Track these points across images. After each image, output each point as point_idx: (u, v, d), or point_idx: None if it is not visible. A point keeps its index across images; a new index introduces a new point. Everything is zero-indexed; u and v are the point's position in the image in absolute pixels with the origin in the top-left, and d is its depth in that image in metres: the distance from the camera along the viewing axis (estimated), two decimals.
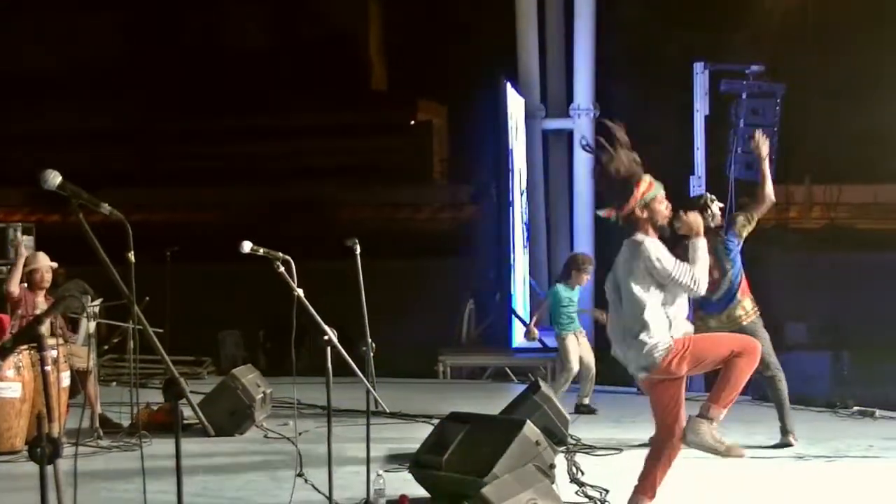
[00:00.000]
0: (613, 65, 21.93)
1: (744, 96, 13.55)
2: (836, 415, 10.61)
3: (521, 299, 16.87)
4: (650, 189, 6.32)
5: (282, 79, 52.68)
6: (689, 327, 6.40)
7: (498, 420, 7.42)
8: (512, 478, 6.13)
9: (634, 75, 24.69)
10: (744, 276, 9.02)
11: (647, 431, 9.46)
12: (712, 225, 8.82)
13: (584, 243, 18.67)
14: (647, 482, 6.39)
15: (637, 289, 6.17)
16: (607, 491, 7.26)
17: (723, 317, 8.83)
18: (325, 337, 6.05)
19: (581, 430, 9.44)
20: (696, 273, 6.20)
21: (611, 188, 6.36)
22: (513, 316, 15.96)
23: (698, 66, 14.36)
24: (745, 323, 8.85)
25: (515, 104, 17.03)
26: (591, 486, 7.42)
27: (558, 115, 19.32)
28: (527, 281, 17.76)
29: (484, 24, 31.54)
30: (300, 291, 6.39)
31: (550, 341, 16.49)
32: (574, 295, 11.12)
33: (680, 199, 7.40)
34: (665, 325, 6.17)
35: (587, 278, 11.11)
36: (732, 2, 31.73)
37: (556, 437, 8.31)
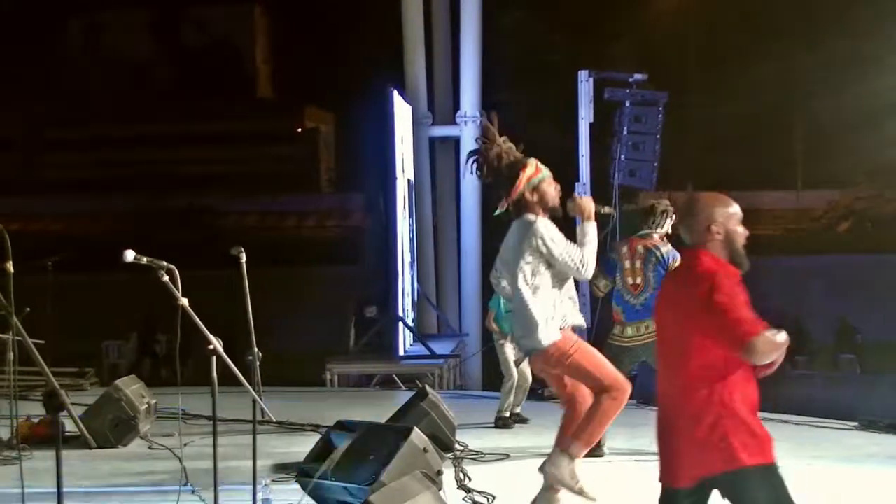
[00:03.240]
0: (500, 73, 22.09)
1: (627, 104, 13.74)
2: None
3: (407, 307, 16.87)
4: (538, 172, 6.35)
5: (165, 87, 52.15)
6: (580, 319, 6.42)
7: (385, 428, 7.40)
8: (399, 485, 6.12)
9: (520, 83, 24.92)
10: None
11: (533, 439, 9.55)
12: (658, 233, 8.82)
13: (470, 249, 18.78)
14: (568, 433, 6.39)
15: (527, 269, 6.19)
16: (494, 497, 7.29)
17: (641, 326, 8.60)
18: (211, 346, 5.98)
19: (468, 436, 9.46)
20: (585, 256, 6.21)
21: (499, 176, 6.36)
22: (399, 324, 15.96)
23: (583, 75, 14.52)
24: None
25: (402, 112, 17.04)
26: (479, 493, 7.44)
27: (445, 122, 19.40)
28: (414, 288, 17.78)
29: (371, 32, 31.57)
30: (184, 301, 6.31)
31: (438, 348, 16.56)
32: None
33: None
34: (552, 306, 6.19)
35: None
36: (616, 12, 32.20)
37: (444, 443, 8.31)
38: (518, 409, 10.63)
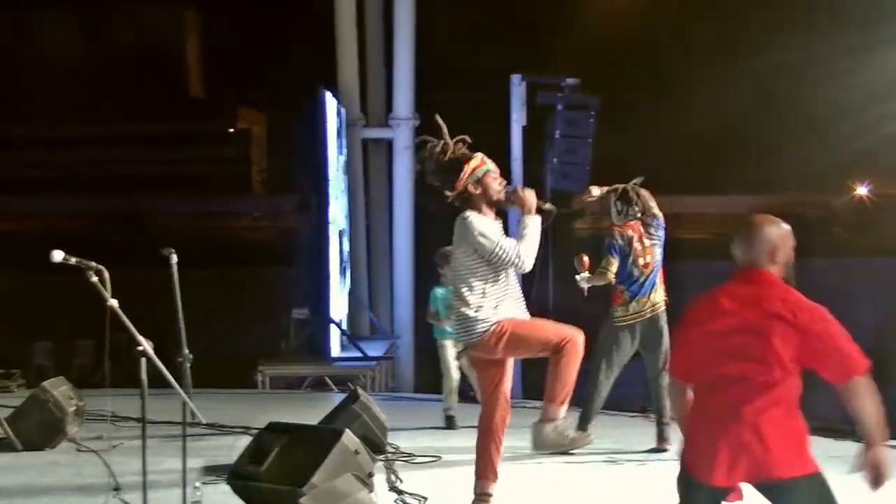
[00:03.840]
0: (433, 76, 22.11)
1: (560, 108, 13.80)
2: (649, 419, 10.86)
3: (340, 309, 16.84)
4: (482, 164, 6.36)
5: (97, 87, 51.62)
6: (521, 313, 6.41)
7: (317, 430, 7.38)
8: (331, 487, 6.11)
9: (454, 86, 24.98)
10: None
11: (465, 440, 9.57)
12: (637, 214, 9.00)
13: (403, 251, 18.78)
14: (482, 465, 6.43)
15: (464, 264, 6.20)
16: (426, 498, 7.29)
17: (643, 301, 8.85)
18: (140, 348, 5.93)
19: (400, 438, 9.46)
20: (522, 249, 6.19)
21: (444, 171, 6.35)
22: (332, 326, 15.92)
23: (515, 78, 14.57)
24: (661, 310, 8.96)
25: (335, 113, 17.01)
26: (410, 494, 7.44)
27: (378, 124, 19.39)
28: (347, 290, 17.76)
29: (304, 33, 31.49)
30: (114, 302, 6.26)
31: (371, 350, 16.55)
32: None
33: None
34: (489, 301, 6.20)
35: None
36: (548, 17, 32.41)
37: (375, 445, 8.31)
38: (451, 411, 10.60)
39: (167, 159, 49.64)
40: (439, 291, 10.43)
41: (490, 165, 6.37)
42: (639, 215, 9.04)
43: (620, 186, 9.17)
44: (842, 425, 10.47)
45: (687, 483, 4.72)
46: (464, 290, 6.21)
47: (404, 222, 18.79)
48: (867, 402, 4.57)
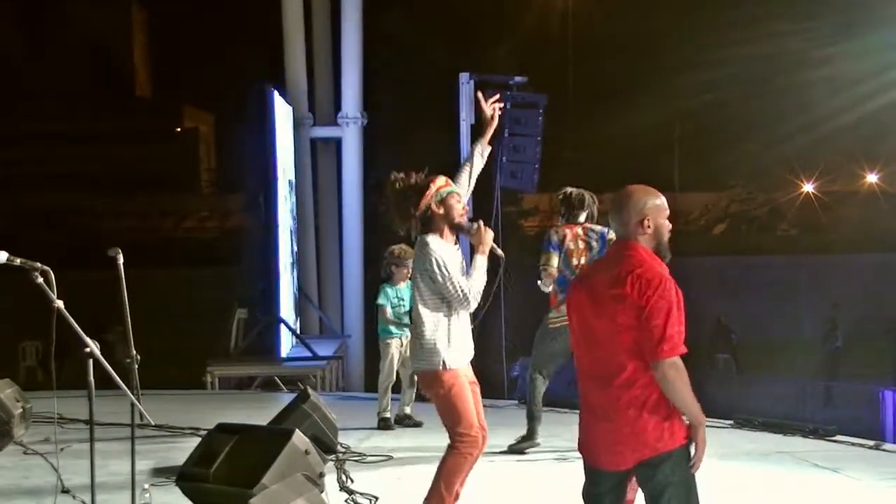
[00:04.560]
0: (381, 74, 22.10)
1: (508, 106, 13.79)
2: None
3: (289, 309, 16.79)
4: (447, 185, 6.33)
5: (40, 85, 51.08)
6: (468, 350, 6.37)
7: (266, 430, 7.35)
8: (281, 488, 6.08)
9: (401, 85, 24.97)
10: None
11: (416, 440, 9.58)
12: (580, 219, 9.06)
13: (352, 250, 18.76)
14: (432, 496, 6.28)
15: (423, 289, 6.17)
16: (377, 498, 7.29)
17: None
18: (87, 349, 5.88)
19: (351, 438, 9.45)
20: (472, 287, 6.13)
21: (411, 191, 6.28)
22: (281, 325, 15.87)
23: (463, 77, 14.55)
24: None
25: (283, 112, 16.95)
26: (361, 494, 7.44)
27: (326, 123, 19.35)
28: (296, 289, 17.70)
29: (250, 31, 31.35)
30: (60, 303, 6.20)
31: (320, 349, 16.50)
32: (403, 292, 10.30)
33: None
34: (444, 332, 6.15)
35: (408, 272, 10.09)
36: (496, 16, 32.45)
37: (326, 445, 8.28)
38: (408, 410, 10.52)
39: (112, 158, 49.16)
40: (389, 289, 10.41)
41: (454, 187, 6.35)
42: (581, 220, 9.07)
43: (571, 190, 9.20)
44: (790, 421, 10.60)
45: (586, 470, 4.77)
46: (422, 314, 6.16)
47: (353, 221, 18.78)
48: (675, 386, 4.53)
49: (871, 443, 9.80)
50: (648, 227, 4.66)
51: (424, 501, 6.16)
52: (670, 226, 4.76)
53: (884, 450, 9.60)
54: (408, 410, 10.50)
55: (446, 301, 6.14)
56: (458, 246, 6.37)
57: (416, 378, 10.23)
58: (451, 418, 6.16)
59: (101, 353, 5.83)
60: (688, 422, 4.64)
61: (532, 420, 9.08)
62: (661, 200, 4.79)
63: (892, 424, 15.56)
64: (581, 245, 8.98)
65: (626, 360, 4.56)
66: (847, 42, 32.13)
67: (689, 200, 43.60)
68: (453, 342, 6.17)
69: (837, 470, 8.51)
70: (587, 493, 4.81)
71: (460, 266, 6.22)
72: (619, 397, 4.58)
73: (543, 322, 9.05)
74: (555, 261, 8.89)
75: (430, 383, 6.22)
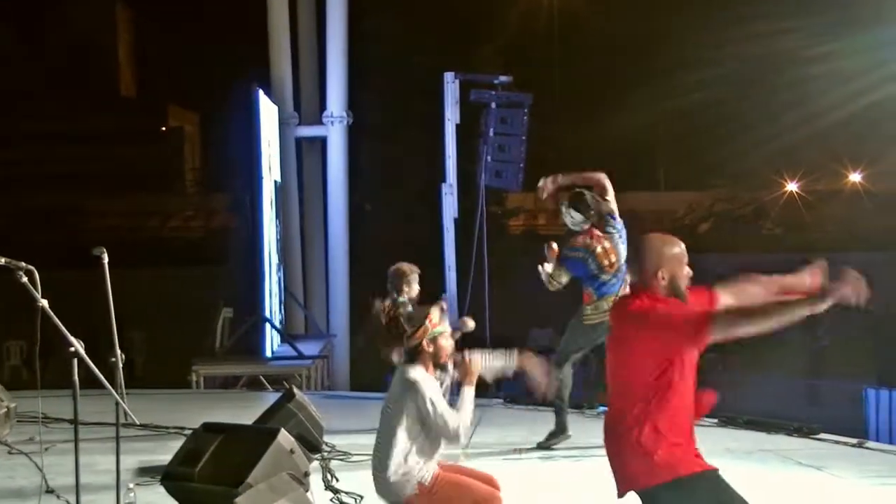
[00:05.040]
0: (366, 74, 22.09)
1: (493, 106, 13.82)
2: (584, 415, 10.93)
3: (275, 308, 16.78)
4: (441, 324, 6.32)
5: (24, 84, 50.85)
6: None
7: (252, 429, 7.35)
8: (266, 487, 6.09)
9: (387, 84, 24.96)
10: None
11: None
12: (593, 220, 9.09)
13: (338, 249, 18.76)
14: None
15: (401, 425, 6.09)
16: (362, 497, 7.30)
17: (612, 298, 8.93)
18: (72, 349, 5.88)
19: (336, 437, 9.45)
20: (461, 422, 6.12)
21: (398, 325, 6.24)
22: (266, 324, 15.86)
23: (448, 76, 14.56)
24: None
25: (268, 111, 16.94)
26: (346, 493, 7.45)
27: (311, 122, 19.34)
28: (282, 289, 17.69)
29: (236, 30, 31.29)
30: (44, 302, 6.20)
31: (306, 349, 16.50)
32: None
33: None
34: (419, 460, 6.10)
35: (417, 287, 9.90)
36: (481, 16, 32.42)
37: (311, 444, 8.29)
38: None
39: (97, 158, 48.97)
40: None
41: (446, 326, 6.35)
42: (594, 220, 9.11)
43: (575, 192, 9.25)
44: (774, 420, 10.65)
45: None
46: (394, 448, 6.09)
47: (339, 220, 18.77)
48: (747, 327, 4.49)
49: (855, 441, 9.85)
50: (663, 278, 4.64)
51: None
52: (690, 272, 4.75)
53: (867, 448, 9.65)
54: None
55: (427, 437, 6.11)
56: (439, 375, 6.39)
57: None
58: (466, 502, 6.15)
59: (86, 352, 5.83)
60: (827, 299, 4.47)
61: (559, 414, 9.17)
62: (679, 249, 4.74)
63: (876, 423, 15.63)
64: (607, 245, 9.07)
65: (624, 393, 4.64)
66: (832, 43, 32.21)
67: (674, 199, 43.68)
68: (427, 466, 6.13)
69: (821, 468, 8.55)
70: None
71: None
72: (617, 429, 4.65)
73: (578, 317, 9.16)
74: (563, 278, 9.01)
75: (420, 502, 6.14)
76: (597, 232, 9.10)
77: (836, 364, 22.52)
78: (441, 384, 6.31)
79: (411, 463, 6.09)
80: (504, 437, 9.29)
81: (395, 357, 6.26)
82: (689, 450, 4.68)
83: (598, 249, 9.03)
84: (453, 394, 6.36)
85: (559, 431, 9.17)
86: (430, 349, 6.24)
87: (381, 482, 6.16)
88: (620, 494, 4.70)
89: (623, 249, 9.03)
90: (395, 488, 6.10)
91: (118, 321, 8.08)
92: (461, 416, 6.14)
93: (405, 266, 9.74)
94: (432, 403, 6.07)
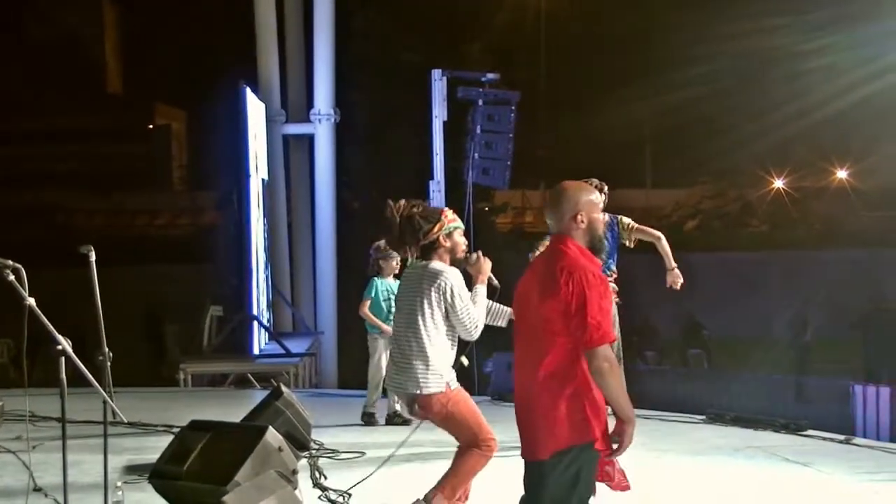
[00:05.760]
0: (353, 71, 22.07)
1: (480, 103, 13.82)
2: None
3: (262, 306, 16.76)
4: (456, 220, 6.35)
5: (10, 81, 50.68)
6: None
7: (240, 427, 7.35)
8: (254, 485, 6.09)
9: (374, 82, 24.93)
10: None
11: (389, 436, 9.58)
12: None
13: (326, 247, 18.74)
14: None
15: (428, 315, 6.13)
16: (350, 495, 7.30)
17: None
18: (59, 347, 5.87)
19: (324, 435, 9.46)
20: (479, 317, 6.18)
21: (415, 221, 6.26)
22: (254, 322, 15.85)
23: (436, 74, 14.56)
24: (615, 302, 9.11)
25: (255, 109, 16.92)
26: (334, 491, 7.44)
27: (299, 119, 19.32)
28: (269, 286, 17.67)
29: (223, 28, 31.23)
30: (31, 300, 6.19)
31: (294, 346, 16.49)
32: (393, 286, 10.17)
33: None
34: (446, 359, 6.15)
35: (397, 264, 10.24)
36: (468, 14, 32.41)
37: (299, 442, 8.29)
38: (398, 407, 10.29)
39: (84, 155, 48.88)
40: (379, 282, 10.36)
41: (460, 224, 6.38)
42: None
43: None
44: (761, 416, 10.68)
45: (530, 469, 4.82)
46: (424, 340, 6.12)
47: (326, 218, 18.76)
48: (608, 380, 4.60)
49: (842, 437, 9.88)
50: (582, 221, 4.76)
51: (431, 493, 6.18)
52: (605, 218, 4.88)
53: (854, 444, 9.69)
54: (398, 408, 10.32)
55: (449, 329, 6.15)
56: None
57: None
58: (471, 430, 6.18)
59: (73, 351, 5.82)
60: (616, 417, 4.71)
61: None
62: (595, 196, 4.89)
63: (863, 419, 15.67)
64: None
65: (547, 351, 4.66)
66: (819, 40, 32.29)
67: (661, 196, 43.74)
68: (447, 367, 6.19)
69: (808, 464, 8.58)
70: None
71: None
72: (538, 386, 4.68)
73: None
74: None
75: (437, 405, 6.16)
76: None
77: (822, 361, 22.58)
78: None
79: (442, 361, 6.12)
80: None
81: (410, 256, 6.29)
82: None
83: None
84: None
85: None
86: (448, 244, 6.27)
87: (406, 370, 6.16)
88: (544, 456, 4.72)
89: (609, 246, 9.04)
90: (433, 379, 6.11)
91: (105, 319, 8.07)
92: (476, 310, 6.19)
93: (381, 242, 9.91)
94: (459, 295, 6.11)
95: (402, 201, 6.38)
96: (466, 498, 6.45)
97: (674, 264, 9.23)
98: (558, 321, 4.60)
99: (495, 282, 6.54)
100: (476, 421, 6.21)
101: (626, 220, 9.19)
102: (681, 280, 9.22)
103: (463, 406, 6.19)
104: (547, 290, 4.65)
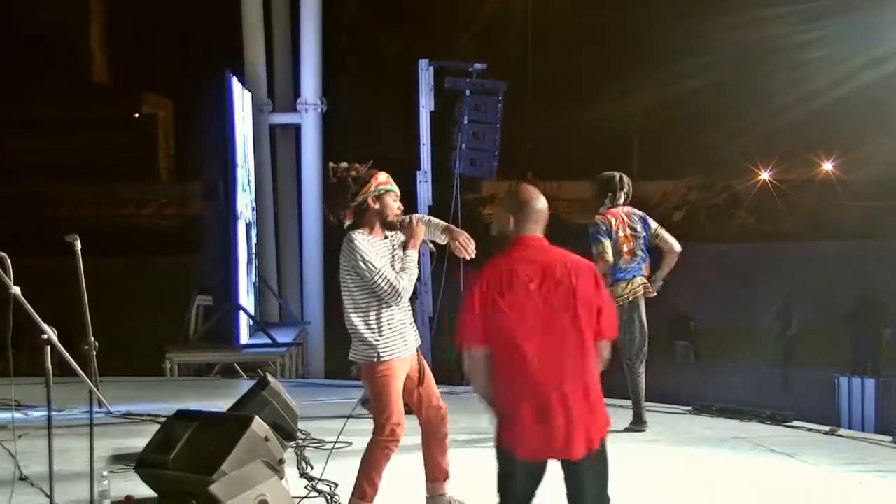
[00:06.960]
0: (341, 60, 22.04)
1: (467, 93, 13.80)
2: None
3: (248, 295, 16.73)
4: (387, 183, 6.36)
5: None
6: (412, 343, 6.41)
7: (226, 417, 7.34)
8: (240, 474, 6.08)
9: (361, 71, 24.94)
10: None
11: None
12: (619, 202, 9.24)
13: (312, 237, 18.68)
14: (429, 466, 6.57)
15: (352, 286, 6.21)
16: (337, 484, 7.29)
17: (626, 285, 9.11)
18: (44, 336, 5.86)
19: (311, 424, 9.44)
20: (402, 282, 6.18)
21: (346, 183, 6.30)
22: (240, 312, 15.81)
23: (423, 64, 14.53)
24: (640, 294, 9.23)
25: (241, 98, 16.87)
26: (321, 480, 7.44)
27: (285, 109, 19.26)
28: (255, 276, 17.64)
29: (210, 17, 31.17)
30: (17, 289, 6.17)
31: (280, 336, 16.47)
32: None
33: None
34: (375, 326, 6.20)
35: None
36: (456, 4, 32.43)
37: (286, 432, 8.28)
38: None
39: (70, 146, 48.78)
40: None
41: (393, 187, 6.38)
42: (621, 202, 9.22)
43: (608, 174, 9.35)
44: (747, 407, 10.70)
45: (509, 460, 4.98)
46: (350, 310, 6.23)
47: (313, 208, 18.69)
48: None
49: (827, 428, 9.91)
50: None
51: (351, 497, 6.33)
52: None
53: (839, 435, 9.72)
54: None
55: (376, 295, 6.17)
56: (391, 237, 6.37)
57: None
58: (378, 408, 6.27)
59: (59, 340, 5.80)
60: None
61: (634, 406, 9.32)
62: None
63: (848, 410, 15.74)
64: (628, 231, 9.16)
65: (587, 339, 4.96)
66: (806, 33, 32.36)
67: (648, 188, 43.77)
68: (385, 334, 6.22)
69: (793, 455, 8.60)
70: None
71: (390, 259, 6.27)
72: (590, 376, 4.98)
73: None
74: (609, 248, 9.02)
75: (365, 375, 6.32)
76: (622, 215, 9.18)
77: (808, 352, 22.64)
78: (393, 248, 6.34)
79: (371, 330, 6.20)
80: (475, 423, 9.27)
81: (347, 222, 6.32)
82: None
83: (620, 233, 9.12)
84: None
85: (634, 422, 9.28)
86: (376, 206, 6.28)
87: (354, 340, 6.30)
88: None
89: (642, 248, 9.19)
90: (362, 348, 6.25)
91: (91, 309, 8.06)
92: (403, 275, 6.21)
93: None
94: (365, 261, 6.12)
95: (343, 164, 6.40)
96: (446, 478, 6.51)
97: (662, 279, 9.31)
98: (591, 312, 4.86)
99: (431, 245, 6.60)
100: (388, 401, 6.23)
101: (654, 223, 9.34)
102: (654, 294, 9.34)
103: (382, 382, 6.23)
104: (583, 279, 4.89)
